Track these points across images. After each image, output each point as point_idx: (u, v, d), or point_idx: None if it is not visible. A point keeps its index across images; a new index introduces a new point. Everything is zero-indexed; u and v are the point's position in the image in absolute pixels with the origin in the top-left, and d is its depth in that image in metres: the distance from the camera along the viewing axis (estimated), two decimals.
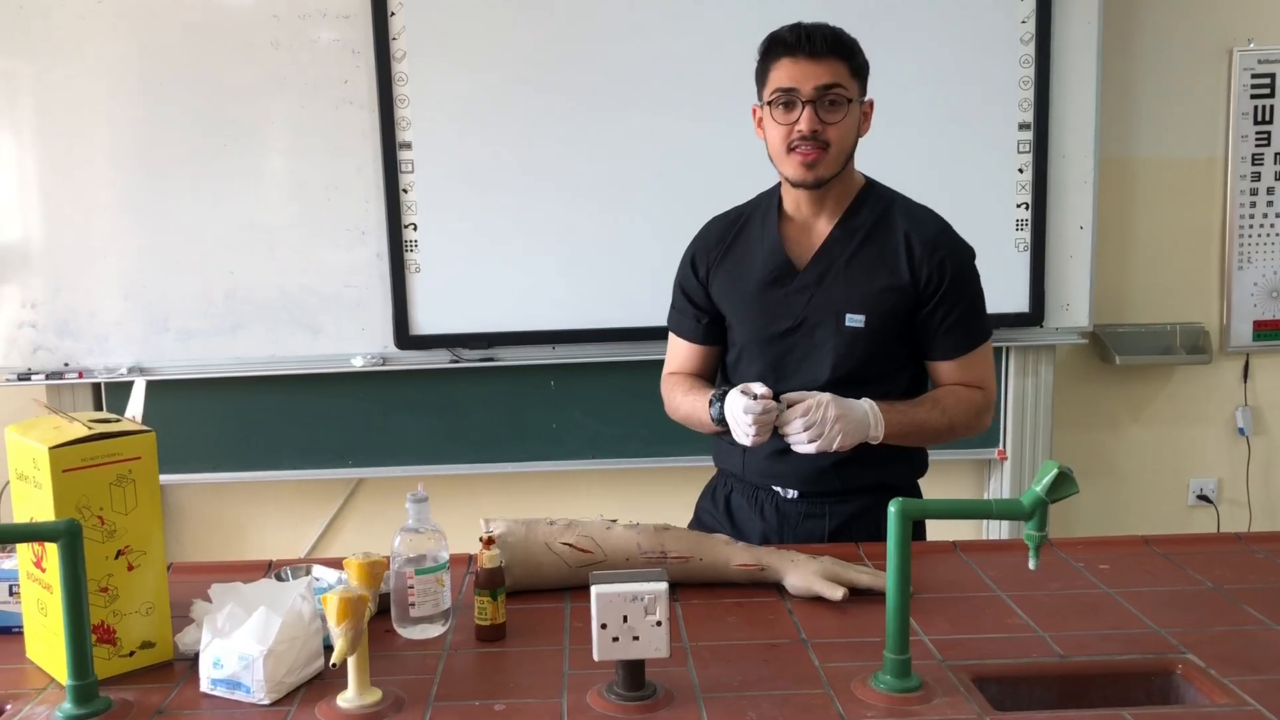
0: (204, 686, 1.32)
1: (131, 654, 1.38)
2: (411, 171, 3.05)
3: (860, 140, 1.83)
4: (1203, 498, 3.52)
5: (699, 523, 2.01)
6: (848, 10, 3.01)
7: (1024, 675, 1.37)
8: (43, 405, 1.41)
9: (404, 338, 3.10)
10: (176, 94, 3.02)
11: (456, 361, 3.13)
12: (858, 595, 1.56)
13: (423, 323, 3.10)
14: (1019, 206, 3.15)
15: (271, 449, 3.22)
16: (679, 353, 2.00)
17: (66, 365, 3.11)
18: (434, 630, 1.47)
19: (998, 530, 3.26)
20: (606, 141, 3.06)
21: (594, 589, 1.25)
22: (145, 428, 1.38)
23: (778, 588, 1.62)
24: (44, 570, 1.35)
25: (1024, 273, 3.17)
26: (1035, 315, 3.19)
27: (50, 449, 1.29)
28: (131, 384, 1.63)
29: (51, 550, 1.28)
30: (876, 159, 3.10)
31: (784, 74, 1.73)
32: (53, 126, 3.04)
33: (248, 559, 3.34)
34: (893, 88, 3.06)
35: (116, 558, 1.35)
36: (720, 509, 1.98)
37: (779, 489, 1.91)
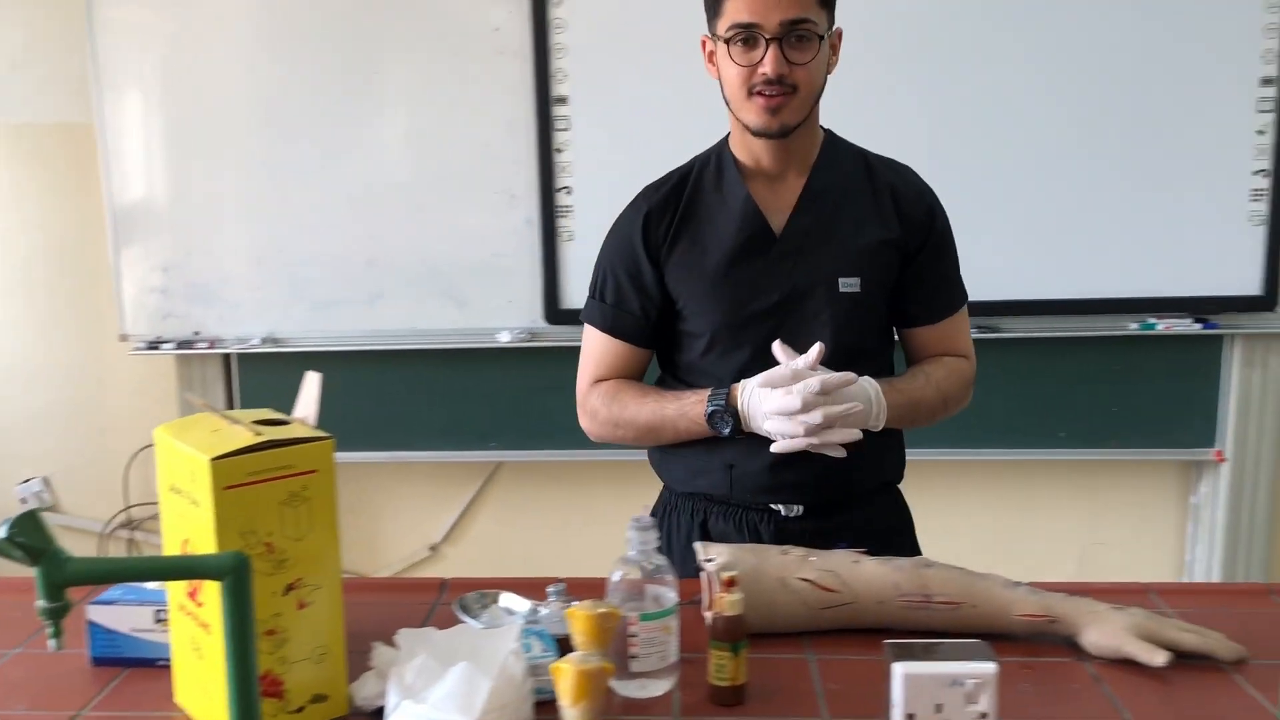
0: None
1: (301, 709, 1.13)
2: (567, 129, 2.77)
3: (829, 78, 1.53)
4: None
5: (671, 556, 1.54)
6: None
7: None
8: (200, 402, 1.17)
9: (555, 312, 2.84)
10: (314, 45, 2.79)
11: None
12: (1181, 660, 1.24)
13: (576, 296, 2.82)
14: (1256, 174, 2.73)
15: (409, 428, 3.00)
16: (610, 357, 1.62)
17: (197, 334, 2.93)
18: (658, 688, 1.19)
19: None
20: None
21: (898, 668, 0.96)
22: (323, 433, 1.12)
23: (1069, 644, 1.30)
24: (200, 605, 1.11)
25: (1258, 250, 2.76)
26: (1268, 299, 2.78)
27: (212, 460, 1.04)
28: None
29: (210, 585, 1.04)
30: (1083, 119, 2.77)
31: (743, 6, 1.44)
32: (183, 81, 2.84)
33: (379, 551, 3.21)
34: (1108, 32, 2.71)
35: (286, 593, 1.10)
36: (695, 538, 1.58)
37: (779, 507, 1.58)
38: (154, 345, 2.93)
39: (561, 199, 2.79)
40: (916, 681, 0.95)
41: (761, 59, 1.44)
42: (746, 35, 1.44)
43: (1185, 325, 2.80)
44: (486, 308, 2.86)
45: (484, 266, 2.84)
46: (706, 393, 1.51)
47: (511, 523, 3.17)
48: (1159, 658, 1.23)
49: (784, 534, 1.57)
